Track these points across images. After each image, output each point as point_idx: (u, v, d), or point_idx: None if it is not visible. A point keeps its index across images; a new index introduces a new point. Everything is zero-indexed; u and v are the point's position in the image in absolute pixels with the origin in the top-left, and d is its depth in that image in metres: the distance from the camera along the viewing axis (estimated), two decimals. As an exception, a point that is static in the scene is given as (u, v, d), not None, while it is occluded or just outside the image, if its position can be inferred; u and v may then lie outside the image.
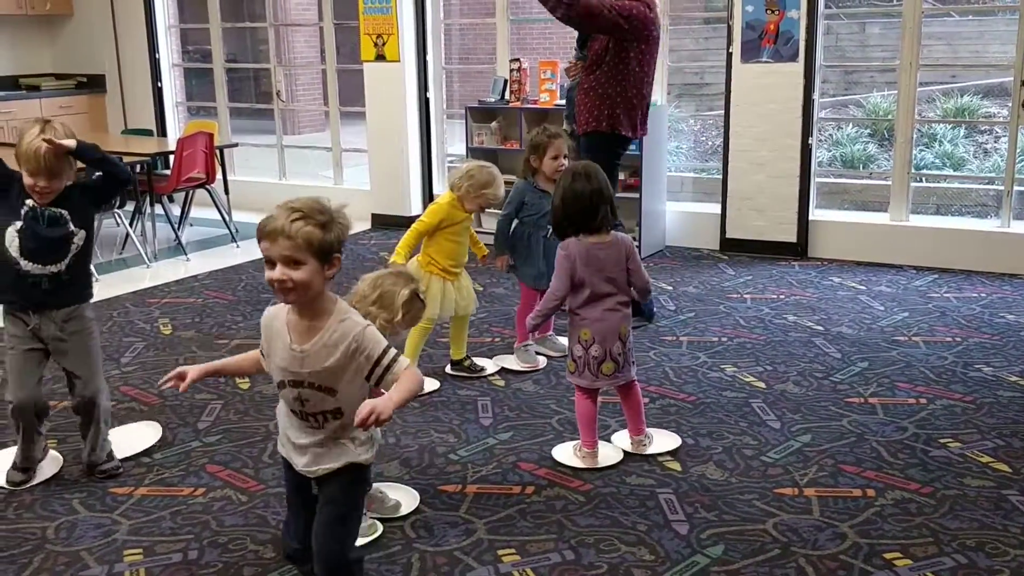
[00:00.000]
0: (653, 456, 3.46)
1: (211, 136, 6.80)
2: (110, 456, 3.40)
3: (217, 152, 6.93)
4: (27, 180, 3.08)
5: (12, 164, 3.20)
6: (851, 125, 9.89)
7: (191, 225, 7.45)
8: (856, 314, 5.13)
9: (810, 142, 6.19)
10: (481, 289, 5.67)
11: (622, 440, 3.59)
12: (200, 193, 7.04)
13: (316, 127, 13.36)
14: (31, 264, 3.15)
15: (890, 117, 7.82)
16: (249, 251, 6.76)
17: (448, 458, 3.48)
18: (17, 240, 3.12)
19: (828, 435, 3.63)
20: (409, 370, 2.21)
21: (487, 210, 4.41)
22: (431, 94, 7.41)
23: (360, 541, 2.71)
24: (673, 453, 3.48)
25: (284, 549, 2.52)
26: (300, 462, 2.32)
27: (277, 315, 2.28)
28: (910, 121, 6.14)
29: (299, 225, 2.12)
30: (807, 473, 3.32)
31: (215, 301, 5.55)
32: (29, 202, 3.12)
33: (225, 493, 3.23)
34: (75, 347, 3.27)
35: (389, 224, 7.33)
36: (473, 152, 6.85)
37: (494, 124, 6.84)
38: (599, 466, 3.40)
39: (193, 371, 2.32)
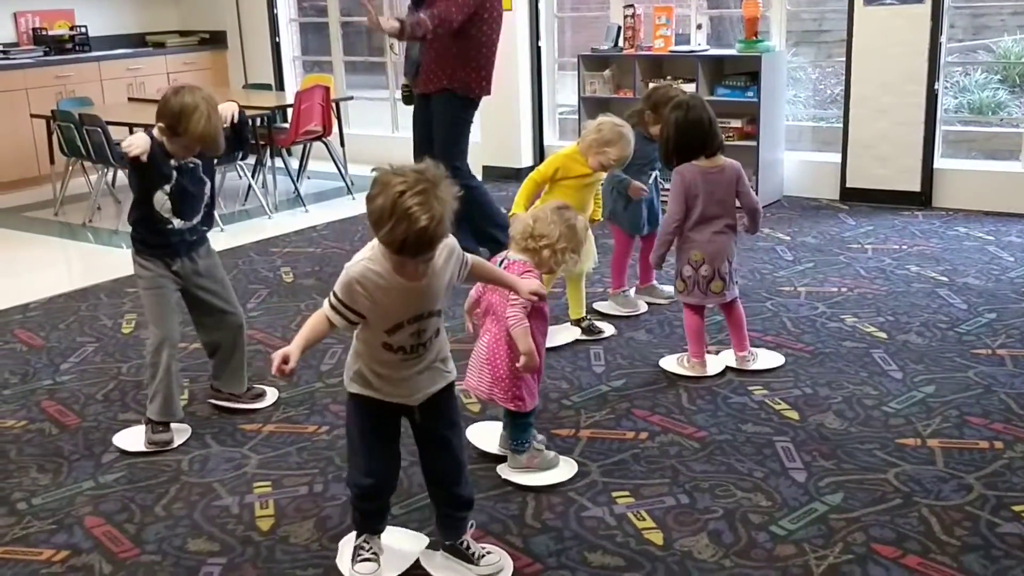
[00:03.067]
0: (769, 404, 3.43)
1: (327, 90, 6.92)
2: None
3: (333, 105, 7.05)
4: (176, 148, 3.14)
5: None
6: (980, 70, 9.44)
7: (308, 178, 7.62)
8: (983, 265, 4.93)
9: (936, 87, 5.94)
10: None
11: (727, 358, 3.78)
12: (317, 147, 7.19)
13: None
14: (181, 221, 3.26)
15: (1022, 61, 7.43)
16: (364, 203, 6.88)
17: (561, 403, 3.51)
18: (168, 201, 3.20)
19: (953, 386, 3.52)
20: None
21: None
22: (543, 42, 7.37)
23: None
24: (790, 402, 3.44)
25: (357, 488, 2.49)
26: (409, 393, 2.41)
27: (371, 268, 2.25)
28: (1047, 63, 5.83)
29: None
30: (930, 424, 3.24)
31: (333, 251, 5.69)
32: (172, 161, 3.17)
33: (339, 433, 3.32)
34: (214, 278, 3.42)
35: (500, 176, 7.36)
36: (585, 102, 6.79)
37: (607, 72, 6.76)
38: (708, 374, 3.67)
39: (293, 352, 2.30)
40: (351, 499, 2.55)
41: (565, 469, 3.02)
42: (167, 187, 3.18)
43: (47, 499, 2.98)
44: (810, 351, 3.91)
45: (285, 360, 2.28)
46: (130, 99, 7.84)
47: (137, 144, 3.09)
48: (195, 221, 3.30)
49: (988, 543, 2.57)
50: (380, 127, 8.72)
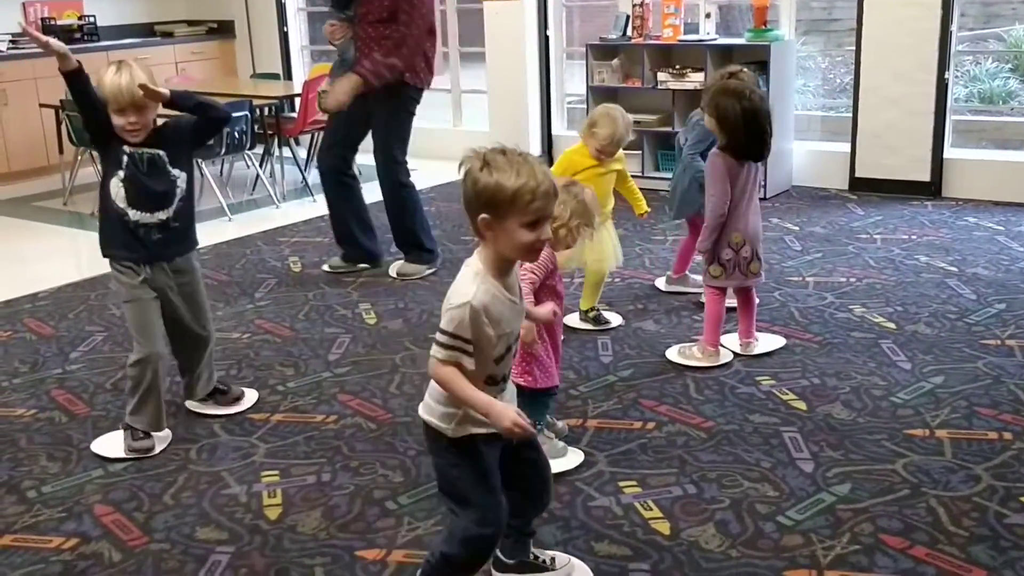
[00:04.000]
0: (776, 394, 3.43)
1: (335, 79, 6.90)
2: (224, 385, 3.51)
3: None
4: (116, 121, 2.99)
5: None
6: (991, 59, 9.39)
7: (316, 168, 7.59)
8: (993, 255, 4.91)
9: (947, 77, 5.91)
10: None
11: (731, 343, 3.83)
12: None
13: (436, 70, 13.41)
14: (140, 213, 3.08)
15: (1035, 49, 7.40)
16: (371, 193, 6.88)
17: (569, 393, 3.50)
18: (122, 190, 3.06)
19: (962, 377, 3.51)
20: None
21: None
22: (551, 32, 7.35)
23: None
24: (797, 392, 3.44)
25: (477, 545, 2.20)
26: None
27: (491, 290, 2.04)
28: (1058, 52, 5.79)
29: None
30: (939, 415, 3.23)
31: (341, 240, 5.68)
32: (126, 148, 3.04)
33: (355, 421, 3.34)
34: (190, 295, 3.27)
35: (508, 165, 7.33)
36: (593, 91, 6.77)
37: (615, 62, 6.73)
38: (722, 362, 3.69)
39: (502, 410, 2.04)
40: (459, 558, 2.21)
41: (571, 458, 3.02)
42: (120, 172, 3.06)
43: (56, 487, 2.99)
44: (818, 341, 3.90)
45: (516, 423, 2.03)
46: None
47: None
48: (159, 217, 3.10)
49: (996, 534, 2.56)
50: (388, 117, 8.69)
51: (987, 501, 2.71)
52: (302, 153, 7.39)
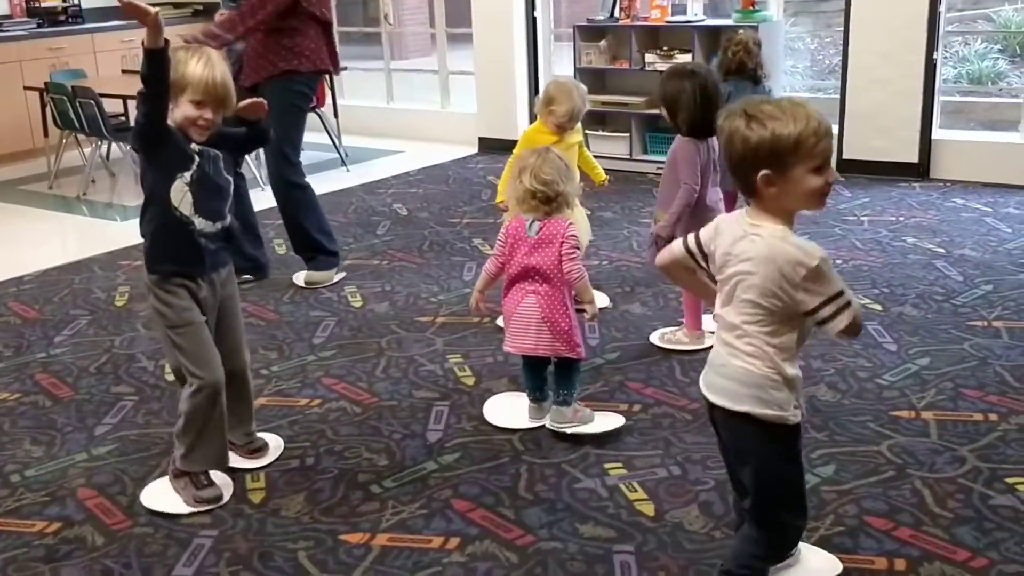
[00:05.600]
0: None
1: (321, 60, 6.85)
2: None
3: (326, 76, 6.98)
4: (188, 112, 2.57)
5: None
6: (979, 40, 9.38)
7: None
8: (981, 236, 4.92)
9: (935, 58, 5.90)
10: (589, 213, 5.63)
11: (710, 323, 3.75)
12: (311, 118, 7.12)
13: (423, 51, 13.36)
14: (204, 221, 2.66)
15: (1022, 30, 7.38)
16: (359, 175, 6.87)
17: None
18: (189, 194, 2.62)
19: (948, 358, 3.52)
20: None
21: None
22: (538, 13, 7.30)
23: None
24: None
25: (793, 536, 2.18)
26: None
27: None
28: (1046, 33, 5.78)
29: None
30: (925, 396, 3.23)
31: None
32: (194, 146, 2.63)
33: (340, 405, 3.33)
34: (230, 312, 2.84)
35: (496, 147, 7.31)
36: (581, 73, 6.74)
37: (603, 43, 6.70)
38: (706, 345, 3.57)
39: None
40: (773, 557, 2.16)
41: (611, 419, 3.09)
42: (187, 174, 2.61)
43: (40, 471, 2.98)
44: (805, 323, 3.89)
45: None
46: (124, 71, 7.77)
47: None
48: (218, 226, 2.70)
49: (981, 515, 2.57)
50: (375, 98, 8.67)
51: (972, 483, 2.72)
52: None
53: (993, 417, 3.08)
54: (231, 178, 2.75)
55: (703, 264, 2.10)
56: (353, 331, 4.00)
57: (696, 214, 3.60)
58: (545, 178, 2.99)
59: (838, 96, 6.26)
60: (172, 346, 2.70)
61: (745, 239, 1.96)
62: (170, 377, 3.34)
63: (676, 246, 2.15)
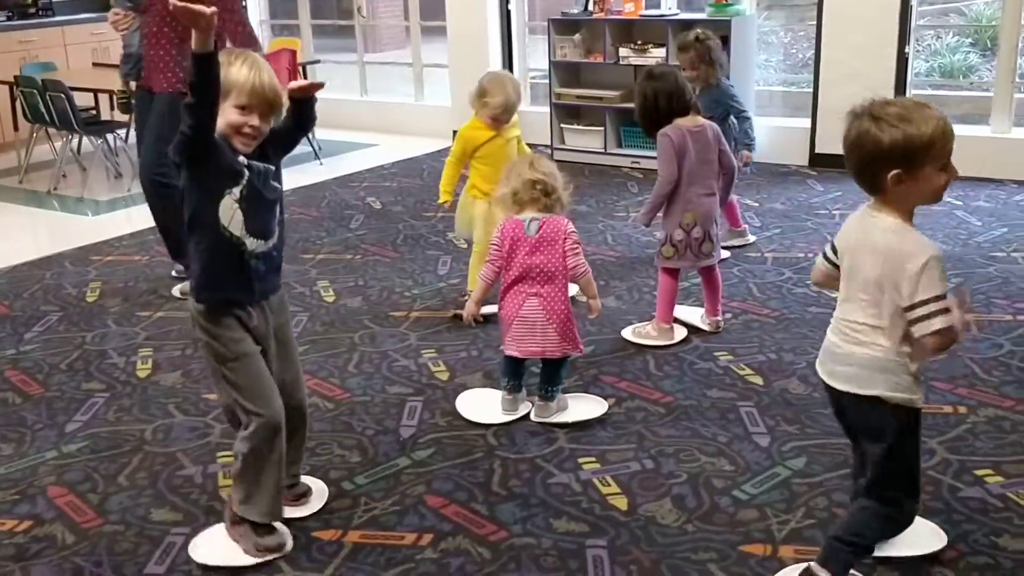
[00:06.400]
0: (734, 369, 3.44)
1: (294, 53, 6.84)
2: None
3: (300, 69, 6.96)
4: (234, 119, 2.30)
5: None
6: (951, 34, 9.45)
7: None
8: (951, 229, 4.96)
9: (907, 51, 5.94)
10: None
11: (691, 315, 3.85)
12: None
13: (397, 44, 13.32)
14: (256, 240, 2.39)
15: (994, 24, 7.44)
16: (332, 168, 6.84)
17: (531, 370, 3.49)
18: (239, 212, 2.35)
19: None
20: None
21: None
22: (512, 6, 7.29)
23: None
24: (754, 367, 3.45)
25: (908, 519, 2.24)
26: None
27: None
28: (1016, 27, 5.83)
29: None
30: (894, 389, 3.26)
31: (300, 216, 5.64)
32: (242, 158, 2.35)
33: (312, 401, 3.31)
34: (285, 341, 2.57)
35: (471, 141, 7.30)
36: (556, 66, 6.75)
37: (577, 36, 6.70)
38: (675, 340, 3.68)
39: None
40: (892, 524, 2.22)
41: (596, 404, 3.19)
42: (236, 190, 2.34)
43: (10, 469, 2.95)
44: (776, 316, 3.92)
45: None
46: (94, 64, 7.70)
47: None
48: (269, 245, 2.43)
49: (950, 507, 2.59)
50: (349, 91, 8.63)
51: (941, 475, 2.74)
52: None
53: (963, 409, 3.11)
54: (280, 186, 2.46)
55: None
56: (326, 326, 3.99)
57: (676, 206, 3.62)
58: (546, 168, 3.06)
59: (811, 90, 6.29)
60: (224, 382, 2.43)
61: (867, 231, 2.08)
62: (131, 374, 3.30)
63: (819, 262, 2.28)
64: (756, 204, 5.56)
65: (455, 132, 7.36)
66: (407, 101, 8.28)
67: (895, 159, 1.97)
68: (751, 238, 4.82)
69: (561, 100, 6.82)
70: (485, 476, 2.82)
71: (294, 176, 6.65)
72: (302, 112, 2.48)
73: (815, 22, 6.21)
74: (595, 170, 6.55)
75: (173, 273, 4.62)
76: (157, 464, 2.95)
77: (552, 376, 3.14)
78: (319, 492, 2.74)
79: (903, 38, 5.91)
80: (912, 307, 1.98)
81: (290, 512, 2.62)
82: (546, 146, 6.72)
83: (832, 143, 6.19)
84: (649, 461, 2.87)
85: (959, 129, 6.51)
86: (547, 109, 6.91)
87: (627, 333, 3.79)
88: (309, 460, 2.93)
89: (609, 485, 2.75)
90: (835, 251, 2.21)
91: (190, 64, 2.19)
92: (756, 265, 4.54)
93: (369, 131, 7.86)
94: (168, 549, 2.52)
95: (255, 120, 2.32)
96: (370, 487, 2.78)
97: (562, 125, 6.88)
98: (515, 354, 3.10)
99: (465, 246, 4.51)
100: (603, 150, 6.69)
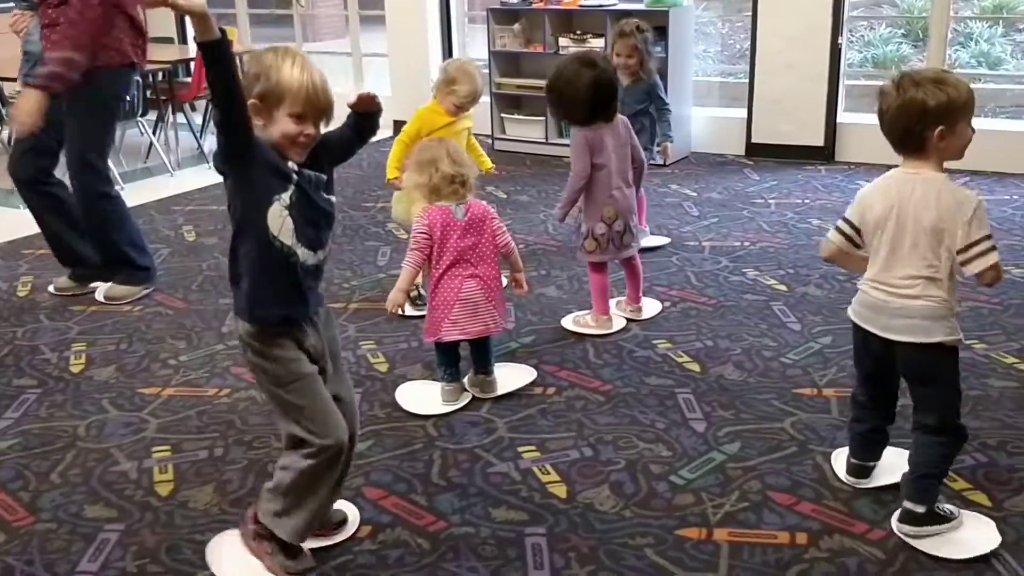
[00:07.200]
0: (672, 357, 3.49)
1: (230, 42, 6.72)
2: None
3: (237, 58, 6.85)
4: (289, 128, 2.12)
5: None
6: (884, 25, 9.64)
7: (212, 133, 7.42)
8: (882, 218, 5.06)
9: (840, 42, 6.04)
10: (504, 197, 5.65)
11: (618, 308, 3.89)
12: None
13: (336, 33, 13.20)
14: (307, 251, 2.22)
15: (924, 15, 7.60)
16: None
17: (469, 360, 3.50)
18: (289, 219, 2.17)
19: (849, 337, 3.56)
20: None
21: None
22: (452, -5, 7.28)
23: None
24: (692, 354, 3.50)
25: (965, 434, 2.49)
26: None
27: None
28: (945, 18, 5.97)
29: None
30: (826, 374, 3.33)
31: (238, 208, 5.57)
32: (291, 163, 2.18)
33: (249, 394, 3.29)
34: (335, 356, 2.41)
35: (411, 131, 7.27)
36: (495, 56, 6.74)
37: (517, 26, 6.71)
38: (615, 330, 3.72)
39: None
40: (956, 449, 2.47)
41: (525, 372, 3.36)
42: (285, 196, 2.16)
43: (-64, 469, 2.88)
44: (713, 304, 3.98)
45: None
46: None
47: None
48: (320, 257, 2.27)
49: (879, 488, 2.65)
50: (288, 82, 8.53)
51: (869, 456, 2.81)
52: (197, 119, 7.19)
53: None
54: (333, 198, 2.29)
55: (861, 241, 2.43)
56: (264, 319, 3.94)
57: (592, 201, 3.64)
58: (463, 160, 3.11)
59: (747, 80, 6.37)
60: (284, 407, 2.26)
61: (912, 188, 2.30)
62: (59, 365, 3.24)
63: (834, 238, 2.48)
64: (694, 194, 5.62)
65: (396, 121, 7.36)
66: (346, 91, 8.20)
67: (940, 117, 2.24)
68: (654, 241, 4.69)
69: (501, 90, 6.83)
70: (424, 467, 2.82)
71: (231, 167, 6.57)
72: (367, 124, 2.34)
73: (751, 11, 6.28)
74: (536, 160, 6.57)
75: (51, 290, 4.31)
76: (91, 460, 2.90)
77: (486, 352, 3.23)
78: (353, 521, 2.57)
79: (836, 29, 6.01)
80: (967, 247, 2.25)
81: (325, 541, 2.48)
82: (487, 136, 6.72)
83: (768, 133, 6.30)
84: (588, 449, 2.90)
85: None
86: (488, 99, 6.90)
87: (567, 322, 3.81)
88: (246, 454, 2.91)
89: (548, 473, 2.77)
90: (852, 227, 2.42)
91: (202, 58, 2.00)
92: (694, 254, 4.59)
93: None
94: (102, 546, 2.49)
95: (311, 129, 2.16)
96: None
97: (503, 115, 6.88)
98: (459, 337, 3.13)
99: (405, 236, 4.50)
100: (544, 140, 6.71)
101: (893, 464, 2.62)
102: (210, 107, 1.96)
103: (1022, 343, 3.51)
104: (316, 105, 2.14)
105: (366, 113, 2.33)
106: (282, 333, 2.24)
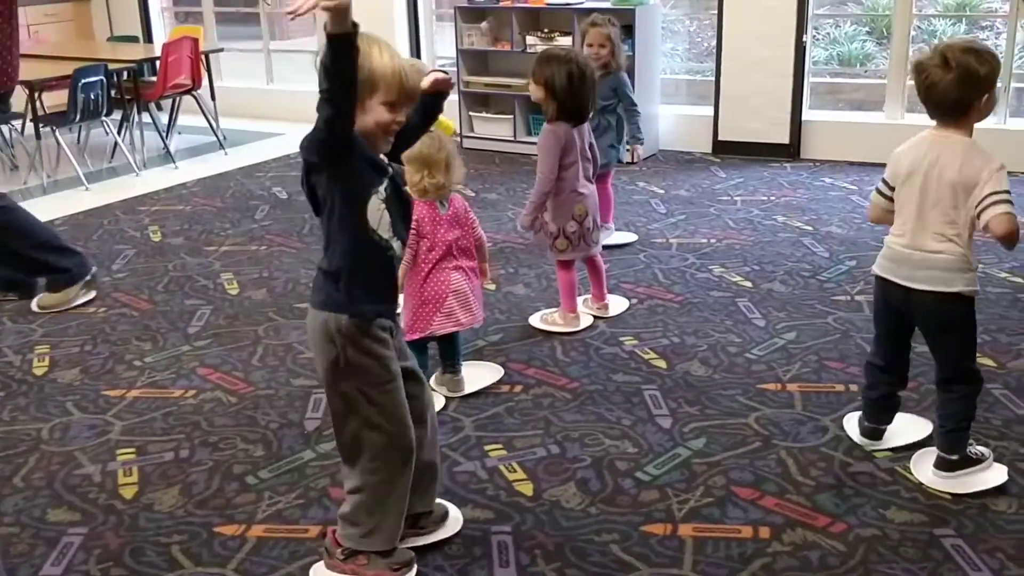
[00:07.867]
0: (639, 354, 3.50)
1: (196, 41, 6.69)
2: None
3: (203, 57, 6.82)
4: (383, 116, 2.07)
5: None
6: (849, 22, 9.72)
7: (179, 133, 7.38)
8: (847, 214, 5.12)
9: (805, 40, 6.09)
10: (473, 195, 5.65)
11: (585, 306, 3.92)
12: (187, 101, 6.96)
13: (304, 31, 13.10)
14: (400, 245, 2.20)
15: (888, 13, 7.68)
16: (237, 158, 6.73)
17: (437, 359, 3.50)
18: (386, 213, 2.13)
19: (813, 332, 3.66)
20: None
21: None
22: (419, -6, 7.26)
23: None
24: (658, 351, 3.52)
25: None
26: None
27: None
28: (908, 16, 6.03)
29: None
30: (790, 369, 3.36)
31: (204, 208, 5.54)
32: (383, 156, 2.16)
33: (215, 395, 3.27)
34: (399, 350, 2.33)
35: (380, 129, 7.24)
36: (463, 54, 6.74)
37: (484, 24, 6.71)
38: (582, 327, 3.74)
39: None
40: (977, 394, 2.65)
41: (493, 370, 3.39)
42: (381, 189, 2.12)
43: None
44: (679, 301, 4.00)
45: None
46: None
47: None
48: (404, 251, 2.29)
49: (841, 482, 2.69)
50: (253, 79, 8.49)
51: (833, 451, 2.84)
52: (163, 119, 7.14)
53: (854, 387, 3.22)
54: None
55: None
56: (229, 319, 3.93)
57: (562, 200, 3.64)
58: (455, 169, 3.06)
59: (714, 78, 6.41)
60: (363, 409, 2.17)
61: (942, 150, 2.48)
62: (35, 370, 3.20)
63: (875, 199, 2.68)
64: (662, 191, 5.65)
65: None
66: (314, 89, 8.12)
67: (987, 85, 2.42)
68: (622, 238, 4.72)
69: (470, 88, 6.83)
70: (391, 466, 2.82)
71: (197, 167, 6.53)
72: (434, 107, 2.30)
73: (716, 9, 6.32)
74: (505, 158, 6.58)
75: (35, 308, 4.11)
76: (54, 464, 2.88)
77: (455, 349, 3.25)
78: (454, 518, 2.54)
79: (801, 27, 6.05)
80: (983, 199, 2.41)
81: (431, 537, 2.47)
82: (455, 134, 6.71)
83: (735, 131, 6.34)
84: (555, 446, 2.91)
85: (854, 116, 6.75)
86: (456, 97, 6.90)
87: (535, 320, 3.82)
88: (212, 455, 2.89)
89: (515, 471, 2.78)
90: (888, 185, 2.61)
91: (324, 47, 1.94)
92: (661, 251, 4.62)
93: (275, 120, 7.73)
94: (65, 550, 2.47)
95: (401, 116, 2.11)
96: (274, 481, 2.76)
97: (471, 113, 6.88)
98: (452, 328, 3.15)
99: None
100: (512, 138, 6.72)
101: (904, 429, 2.87)
102: (318, 100, 1.93)
103: (982, 338, 3.56)
104: (407, 91, 2.09)
105: (436, 94, 2.29)
106: (382, 327, 2.17)
